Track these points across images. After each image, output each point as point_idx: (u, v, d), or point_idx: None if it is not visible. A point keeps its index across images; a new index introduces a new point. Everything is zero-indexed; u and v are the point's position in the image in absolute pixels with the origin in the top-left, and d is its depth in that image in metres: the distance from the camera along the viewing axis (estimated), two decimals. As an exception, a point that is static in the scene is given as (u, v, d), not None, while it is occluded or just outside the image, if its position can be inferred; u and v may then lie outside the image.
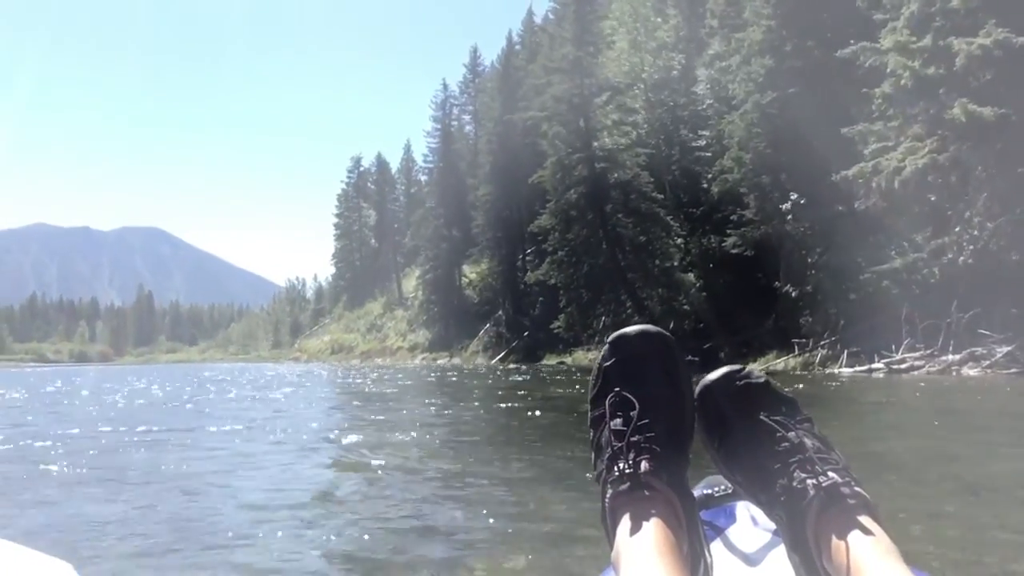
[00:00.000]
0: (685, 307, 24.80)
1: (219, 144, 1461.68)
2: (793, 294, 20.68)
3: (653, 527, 0.85)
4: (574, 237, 25.42)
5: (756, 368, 1.16)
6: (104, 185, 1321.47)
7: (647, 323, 1.10)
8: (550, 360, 33.43)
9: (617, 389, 0.99)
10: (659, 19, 27.75)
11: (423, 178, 68.00)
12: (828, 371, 18.09)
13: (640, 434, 0.94)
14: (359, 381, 20.58)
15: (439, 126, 56.26)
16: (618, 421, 0.96)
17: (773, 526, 0.97)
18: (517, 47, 51.29)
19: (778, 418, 0.98)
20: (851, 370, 17.19)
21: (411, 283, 58.77)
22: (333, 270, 79.04)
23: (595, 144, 24.47)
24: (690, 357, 21.78)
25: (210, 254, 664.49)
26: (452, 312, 49.02)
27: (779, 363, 20.01)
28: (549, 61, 27.45)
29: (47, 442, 6.43)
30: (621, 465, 0.91)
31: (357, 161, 75.24)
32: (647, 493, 0.88)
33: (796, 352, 20.07)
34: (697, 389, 1.04)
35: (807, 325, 19.95)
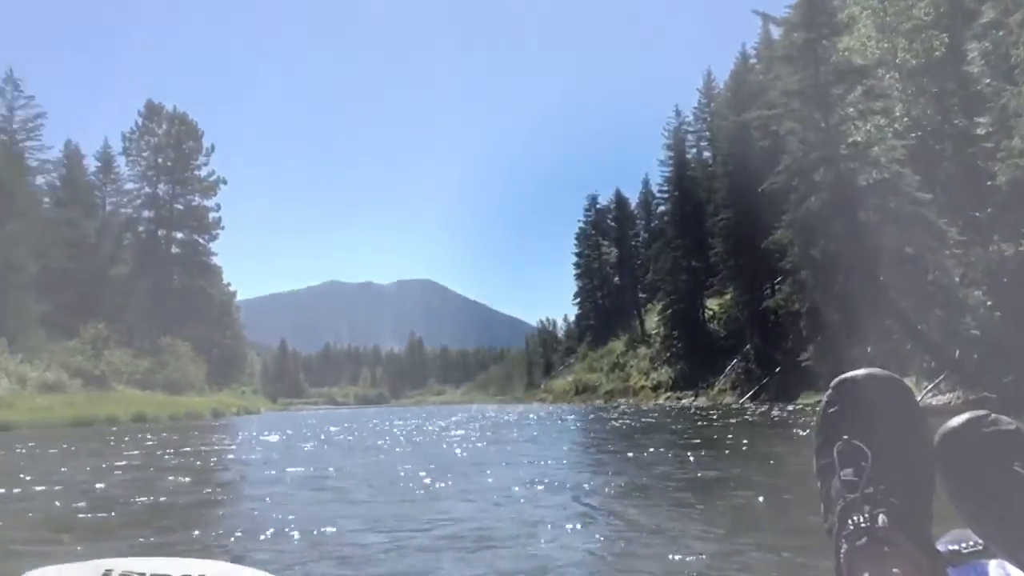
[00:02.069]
0: (973, 331, 19.89)
1: (470, 192, 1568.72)
2: None
3: None
4: (819, 253, 21.56)
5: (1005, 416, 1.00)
6: (383, 243, 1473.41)
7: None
8: (807, 399, 29.30)
9: (846, 437, 0.92)
10: (912, -3, 23.22)
11: (663, 208, 65.67)
12: None
13: (874, 485, 0.87)
14: (592, 428, 19.05)
15: (672, 154, 53.71)
16: (849, 471, 0.89)
17: None
18: (752, 60, 47.59)
19: None
20: None
21: (653, 319, 56.25)
22: (576, 310, 78.64)
23: (839, 141, 20.64)
24: (985, 393, 17.26)
25: (474, 300, 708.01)
26: (695, 348, 45.69)
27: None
28: (774, 51, 24.07)
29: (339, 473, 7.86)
30: (856, 518, 0.84)
31: (594, 199, 74.78)
32: (887, 549, 0.82)
33: None
34: (937, 436, 0.95)
35: None
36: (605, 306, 71.23)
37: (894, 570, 0.76)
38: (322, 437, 16.77)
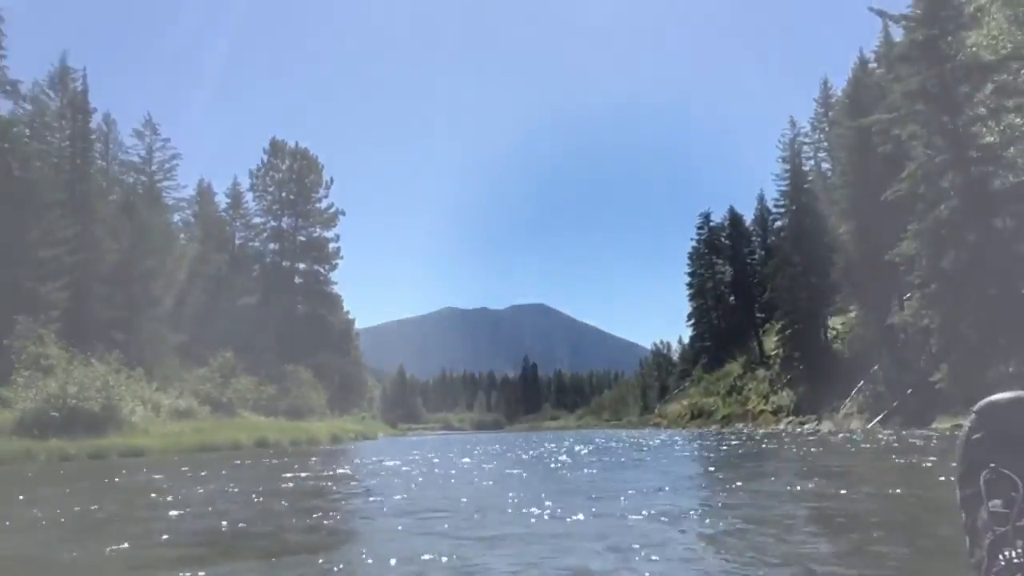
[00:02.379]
0: None
1: (581, 216, 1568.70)
2: None
3: None
4: (950, 265, 19.92)
5: None
6: (498, 269, 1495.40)
7: None
8: (942, 423, 27.06)
9: (993, 465, 0.87)
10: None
11: (779, 223, 63.20)
12: None
13: None
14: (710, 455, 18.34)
15: (788, 167, 51.60)
16: (998, 503, 0.84)
17: None
18: (872, 65, 45.20)
19: None
20: None
21: (772, 340, 53.91)
22: (691, 331, 76.56)
23: (968, 143, 19.06)
24: None
25: (588, 324, 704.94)
26: (818, 369, 43.29)
27: None
28: (894, 52, 22.49)
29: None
30: (1008, 553, 0.79)
31: (706, 216, 72.90)
32: None
33: None
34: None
35: None
36: (721, 327, 69.01)
37: None
38: (435, 463, 16.87)
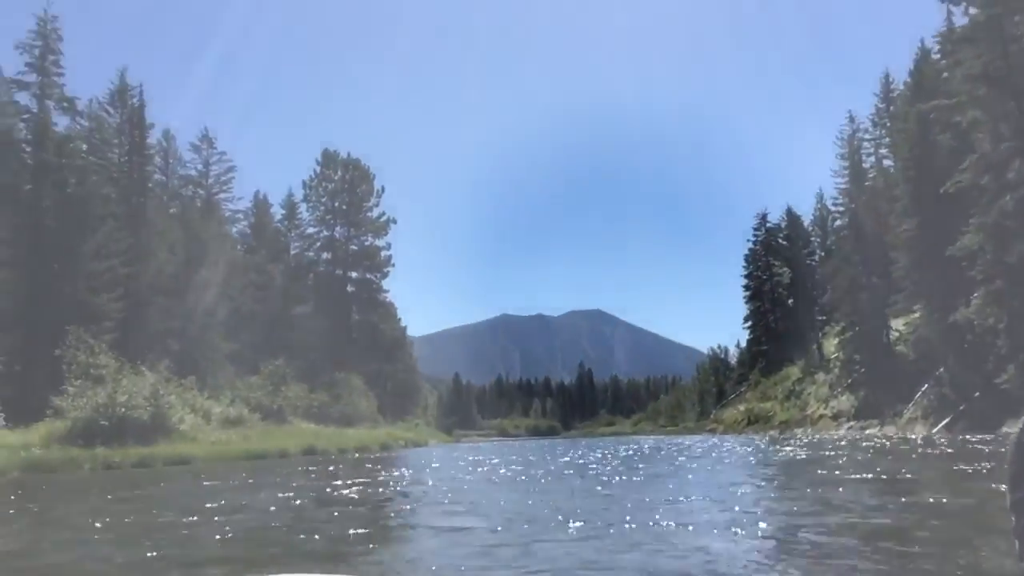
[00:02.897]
0: None
1: (635, 220, 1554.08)
2: None
3: None
4: (1016, 259, 18.71)
5: None
6: (553, 276, 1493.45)
7: None
8: (1012, 427, 25.60)
9: None
10: None
11: (839, 223, 61.25)
12: None
13: None
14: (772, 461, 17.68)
15: (847, 163, 49.88)
16: None
17: None
18: (936, 55, 43.35)
19: None
20: None
21: (831, 343, 52.14)
22: (748, 335, 74.69)
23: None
24: None
25: (644, 329, 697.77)
26: (880, 373, 41.65)
27: None
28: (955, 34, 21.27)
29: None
30: None
31: (763, 217, 71.16)
32: None
33: None
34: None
35: None
36: (778, 330, 67.14)
37: None
38: (480, 470, 16.62)
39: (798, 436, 40.42)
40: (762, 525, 6.23)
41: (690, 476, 13.23)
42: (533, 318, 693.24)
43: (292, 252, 65.03)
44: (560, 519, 6.83)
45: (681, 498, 8.86)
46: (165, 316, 38.14)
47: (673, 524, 6.31)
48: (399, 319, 72.95)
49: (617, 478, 12.62)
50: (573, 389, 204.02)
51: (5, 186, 27.28)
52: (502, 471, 15.83)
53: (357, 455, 29.07)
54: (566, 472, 14.52)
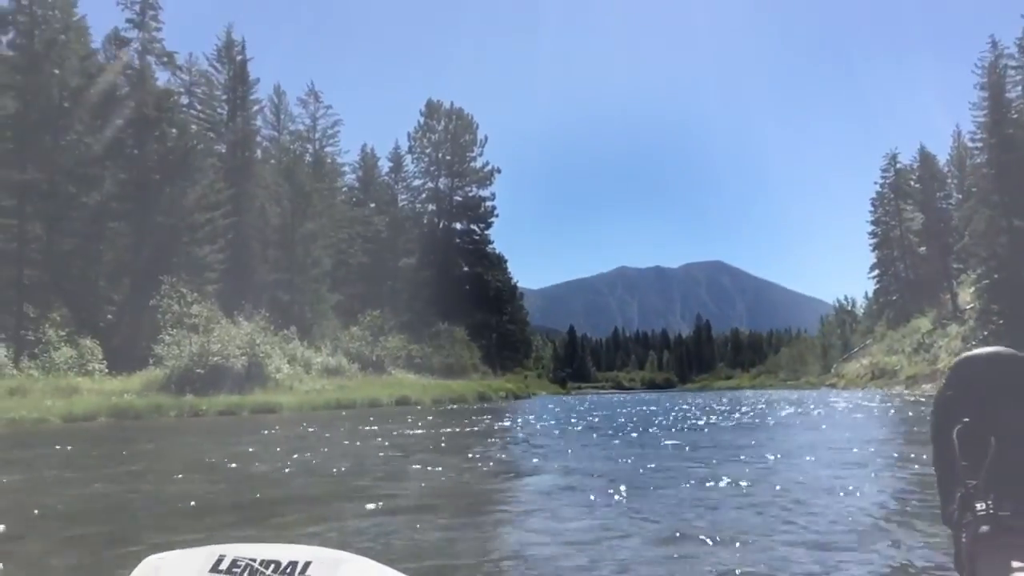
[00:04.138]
0: None
1: (755, 169, 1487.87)
2: None
3: None
4: None
5: None
6: (670, 227, 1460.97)
7: None
8: None
9: (966, 420, 0.87)
10: None
11: (977, 160, 55.75)
12: None
13: (998, 471, 0.83)
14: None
15: (987, 94, 44.91)
16: (970, 457, 0.85)
17: None
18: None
19: None
20: None
21: (967, 292, 47.84)
22: (874, 284, 69.92)
23: None
24: None
25: (767, 280, 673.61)
26: (1021, 324, 37.83)
27: None
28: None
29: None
30: (978, 507, 0.80)
31: (893, 158, 65.70)
32: (1012, 539, 0.78)
33: None
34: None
35: None
36: (908, 279, 62.41)
37: (1014, 563, 0.73)
38: (575, 422, 16.15)
39: (927, 392, 37.50)
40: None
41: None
42: (651, 270, 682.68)
43: (400, 204, 65.83)
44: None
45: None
46: (272, 268, 39.37)
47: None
48: (507, 271, 72.80)
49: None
50: (690, 342, 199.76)
51: (112, 141, 28.46)
52: (575, 424, 15.15)
53: (454, 406, 28.99)
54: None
